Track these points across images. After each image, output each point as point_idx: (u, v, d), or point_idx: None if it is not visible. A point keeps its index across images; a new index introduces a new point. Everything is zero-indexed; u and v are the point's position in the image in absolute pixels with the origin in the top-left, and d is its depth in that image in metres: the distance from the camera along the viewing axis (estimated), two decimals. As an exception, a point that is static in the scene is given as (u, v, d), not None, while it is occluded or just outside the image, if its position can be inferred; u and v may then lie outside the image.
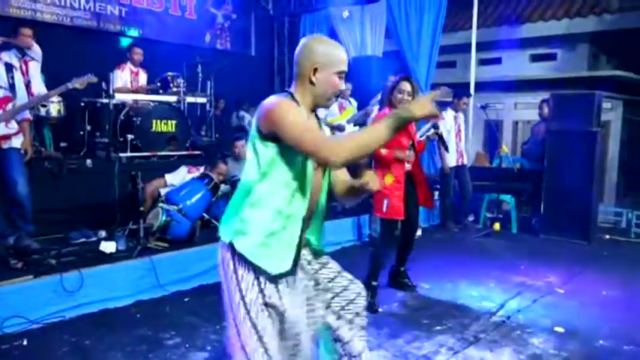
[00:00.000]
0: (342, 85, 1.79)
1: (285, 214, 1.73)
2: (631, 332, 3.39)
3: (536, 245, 5.85)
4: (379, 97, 5.88)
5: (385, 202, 3.69)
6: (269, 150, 1.71)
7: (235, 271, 1.73)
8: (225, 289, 1.80)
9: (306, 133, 1.62)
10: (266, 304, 1.72)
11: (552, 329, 3.44)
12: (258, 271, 1.72)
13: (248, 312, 1.71)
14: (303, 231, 1.78)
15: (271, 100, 1.71)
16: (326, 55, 1.74)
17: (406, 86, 3.65)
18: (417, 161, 3.92)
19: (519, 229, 6.53)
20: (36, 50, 5.34)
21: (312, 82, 1.75)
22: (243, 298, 1.72)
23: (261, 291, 1.72)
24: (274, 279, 1.73)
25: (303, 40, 1.81)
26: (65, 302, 3.50)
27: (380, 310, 3.75)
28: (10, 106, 3.82)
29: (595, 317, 3.68)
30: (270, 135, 1.69)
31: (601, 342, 3.26)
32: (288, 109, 1.66)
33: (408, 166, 3.80)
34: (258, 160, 1.73)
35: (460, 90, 6.57)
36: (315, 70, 1.73)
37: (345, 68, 1.78)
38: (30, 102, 4.23)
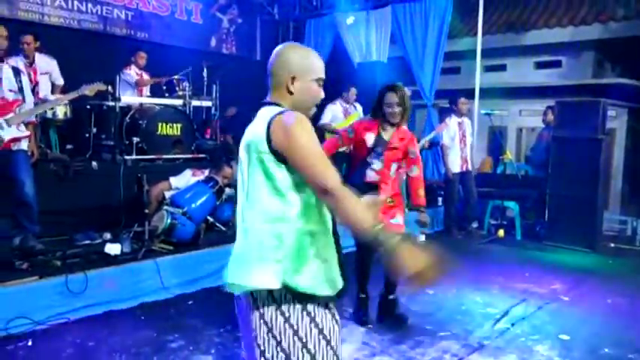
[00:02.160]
0: (322, 94, 1.70)
1: (319, 230, 1.59)
2: (636, 340, 3.37)
3: (541, 252, 5.84)
4: None
5: None
6: (286, 174, 1.54)
7: (304, 309, 1.55)
8: (283, 335, 1.54)
9: (318, 166, 1.49)
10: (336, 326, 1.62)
11: (557, 337, 3.43)
12: (321, 303, 1.58)
13: (328, 342, 1.56)
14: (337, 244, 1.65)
15: (286, 116, 1.55)
16: (303, 63, 1.65)
17: (393, 98, 3.42)
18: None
19: (523, 236, 6.52)
20: (45, 61, 5.46)
21: (290, 92, 1.65)
22: (321, 332, 1.55)
23: (334, 318, 1.61)
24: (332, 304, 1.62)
25: (276, 49, 1.71)
26: (70, 304, 3.51)
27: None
28: (19, 109, 3.85)
29: (600, 325, 3.67)
30: (283, 156, 1.53)
31: (606, 350, 3.24)
32: (305, 133, 1.52)
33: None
34: (274, 186, 1.54)
35: (462, 95, 6.58)
36: (293, 79, 1.64)
37: (323, 75, 1.69)
38: (41, 106, 4.26)
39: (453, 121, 6.38)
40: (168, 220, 4.35)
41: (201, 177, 5.04)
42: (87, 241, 4.42)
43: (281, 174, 1.53)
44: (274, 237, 1.53)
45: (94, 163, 5.24)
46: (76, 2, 6.91)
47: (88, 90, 4.34)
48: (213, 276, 4.32)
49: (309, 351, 1.53)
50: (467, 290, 4.35)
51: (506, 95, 8.79)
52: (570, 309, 4.00)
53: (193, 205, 4.59)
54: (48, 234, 4.32)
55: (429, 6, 7.23)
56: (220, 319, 3.58)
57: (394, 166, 3.53)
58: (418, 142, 5.68)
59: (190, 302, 3.96)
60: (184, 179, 5.04)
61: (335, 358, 1.57)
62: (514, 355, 3.15)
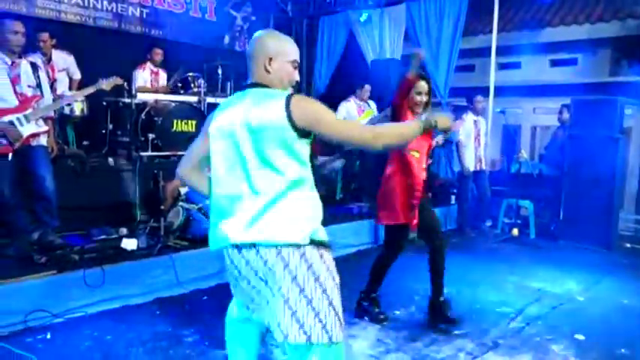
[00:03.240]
0: (297, 75, 1.94)
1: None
2: (653, 341, 3.34)
3: (555, 251, 5.79)
4: None
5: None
6: (305, 146, 1.82)
7: (323, 260, 1.80)
8: (307, 281, 1.76)
9: (351, 127, 1.93)
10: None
11: (573, 337, 3.40)
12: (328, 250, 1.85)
13: (337, 284, 1.84)
14: None
15: (301, 100, 1.80)
16: (278, 45, 1.89)
17: (423, 87, 3.37)
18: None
19: (538, 235, 6.47)
20: (62, 57, 5.54)
21: (267, 71, 1.87)
22: (333, 276, 1.83)
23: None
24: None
25: (255, 36, 1.95)
26: (87, 297, 3.56)
27: (397, 312, 3.75)
28: (38, 104, 3.90)
29: (616, 326, 3.64)
30: (306, 132, 1.79)
31: (622, 350, 3.22)
32: (325, 108, 1.82)
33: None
34: (297, 158, 1.79)
35: (477, 93, 6.55)
36: (270, 59, 1.86)
37: (297, 58, 1.93)
38: (59, 101, 4.31)
39: (469, 118, 6.35)
40: (184, 217, 4.40)
41: (216, 173, 5.07)
42: (103, 237, 4.47)
43: (301, 146, 1.79)
44: (299, 199, 1.78)
45: (111, 160, 5.30)
46: (91, 0, 6.98)
47: (105, 84, 4.39)
48: (228, 272, 4.37)
49: (324, 291, 1.78)
50: (481, 289, 4.33)
51: (520, 93, 8.72)
52: (586, 309, 3.97)
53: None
54: (64, 229, 4.37)
55: (443, 3, 7.19)
56: (235, 315, 3.61)
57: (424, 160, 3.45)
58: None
59: (205, 297, 4.00)
60: (199, 176, 5.07)
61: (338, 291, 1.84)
62: (529, 354, 3.13)
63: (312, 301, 1.75)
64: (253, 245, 1.78)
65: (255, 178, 1.78)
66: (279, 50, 1.88)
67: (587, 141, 5.94)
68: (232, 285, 2.03)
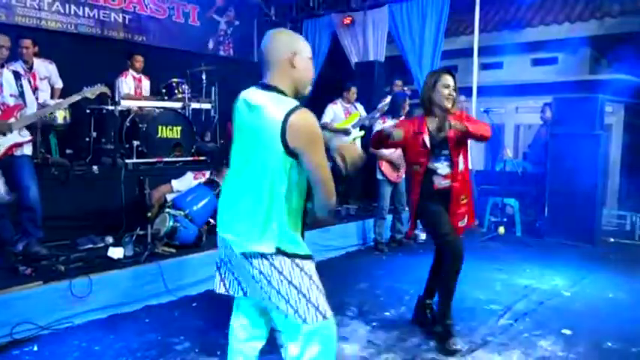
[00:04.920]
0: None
1: (299, 211, 1.93)
2: (638, 334, 3.40)
3: (541, 248, 5.86)
4: (387, 100, 5.90)
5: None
6: (299, 169, 1.83)
7: (293, 263, 1.88)
8: (278, 283, 1.87)
9: (327, 174, 1.84)
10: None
11: (560, 332, 3.45)
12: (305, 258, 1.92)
13: (310, 277, 1.89)
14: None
15: (304, 119, 1.76)
16: (298, 42, 1.89)
17: (449, 80, 3.14)
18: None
19: (524, 233, 6.55)
20: (44, 66, 5.48)
21: (293, 66, 1.84)
22: (302, 270, 1.89)
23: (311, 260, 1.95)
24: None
25: (269, 33, 1.92)
26: (74, 308, 3.51)
27: (387, 313, 3.76)
28: (21, 113, 3.85)
29: (602, 320, 3.69)
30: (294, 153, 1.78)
31: (609, 344, 3.27)
32: (319, 137, 1.80)
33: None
34: (287, 178, 1.82)
35: (460, 93, 6.60)
36: (294, 54, 1.84)
37: (311, 56, 1.94)
38: (42, 111, 4.26)
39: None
40: (171, 223, 4.36)
41: (203, 179, 5.05)
42: (89, 246, 4.43)
43: (284, 161, 1.77)
44: (275, 213, 1.83)
45: (95, 167, 5.24)
46: (73, 7, 6.90)
47: (90, 93, 4.35)
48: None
49: (302, 270, 1.88)
50: (469, 287, 4.35)
51: (503, 92, 8.83)
52: (572, 304, 4.03)
53: (195, 208, 4.60)
54: (49, 239, 4.31)
55: (425, 5, 7.24)
56: (225, 321, 3.56)
57: (461, 158, 3.22)
58: None
59: (194, 304, 3.98)
60: (186, 182, 5.05)
61: (314, 284, 1.90)
62: (518, 350, 3.17)
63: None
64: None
65: (245, 169, 1.87)
66: (301, 46, 1.88)
67: (569, 138, 6.04)
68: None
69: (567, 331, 3.45)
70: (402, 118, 5.58)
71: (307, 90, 1.91)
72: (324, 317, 1.87)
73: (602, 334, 3.40)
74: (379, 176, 5.59)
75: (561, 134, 6.12)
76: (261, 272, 1.87)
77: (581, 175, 5.89)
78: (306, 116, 1.74)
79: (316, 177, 1.81)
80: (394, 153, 5.47)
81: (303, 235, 1.97)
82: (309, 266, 1.91)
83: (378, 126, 5.60)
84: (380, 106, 6.00)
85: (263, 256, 1.85)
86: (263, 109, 1.78)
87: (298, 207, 1.91)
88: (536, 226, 6.59)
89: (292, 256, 1.87)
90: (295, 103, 1.79)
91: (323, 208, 1.86)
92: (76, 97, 4.37)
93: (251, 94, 1.89)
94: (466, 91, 6.89)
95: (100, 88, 4.41)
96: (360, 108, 6.68)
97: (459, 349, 3.11)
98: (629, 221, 6.81)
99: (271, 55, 1.86)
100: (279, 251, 1.85)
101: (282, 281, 1.85)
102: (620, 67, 8.30)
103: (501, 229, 6.51)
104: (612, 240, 6.25)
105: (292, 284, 1.85)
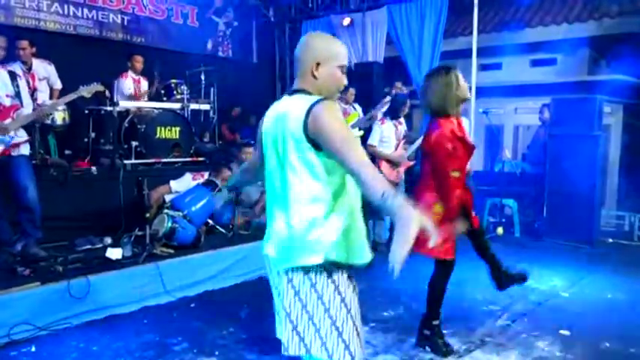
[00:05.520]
0: (345, 80, 1.82)
1: (354, 209, 1.79)
2: (636, 334, 3.40)
3: (540, 249, 5.87)
4: (387, 99, 5.89)
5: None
6: (323, 160, 1.68)
7: (332, 281, 1.73)
8: (313, 305, 1.73)
9: (356, 148, 1.62)
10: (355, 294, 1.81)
11: (558, 332, 3.45)
12: (349, 270, 1.78)
13: (349, 310, 1.75)
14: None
15: (323, 107, 1.65)
16: (327, 49, 1.78)
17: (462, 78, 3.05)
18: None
19: (522, 233, 6.55)
20: (42, 66, 5.48)
21: (314, 77, 1.77)
22: (343, 300, 1.75)
23: (352, 283, 1.80)
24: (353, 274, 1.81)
25: (303, 38, 1.86)
26: (72, 309, 3.52)
27: (385, 314, 3.76)
28: (17, 114, 3.85)
29: (600, 320, 3.70)
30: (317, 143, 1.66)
31: (607, 344, 3.27)
32: (340, 121, 1.66)
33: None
34: (312, 171, 1.68)
35: None
36: (318, 64, 1.76)
37: (346, 62, 1.82)
38: (39, 110, 4.26)
39: (450, 119, 6.39)
40: (169, 224, 4.36)
41: (201, 180, 5.06)
42: (88, 246, 4.44)
43: (317, 159, 1.67)
44: (315, 216, 1.69)
45: (94, 168, 5.25)
46: (72, 8, 6.92)
47: (86, 91, 4.35)
48: (215, 278, 4.35)
49: (330, 317, 1.72)
50: (468, 288, 4.36)
51: (502, 93, 8.82)
52: (570, 305, 4.03)
53: (194, 209, 4.60)
54: (48, 240, 4.32)
55: (424, 6, 7.25)
56: (223, 321, 3.60)
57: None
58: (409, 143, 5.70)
59: (193, 305, 3.98)
60: (185, 183, 5.06)
61: (353, 324, 1.74)
62: (516, 351, 3.17)
63: (313, 318, 1.73)
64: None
65: (280, 185, 1.77)
66: (328, 55, 1.77)
67: (567, 139, 6.04)
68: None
69: (565, 332, 3.46)
70: (401, 119, 5.60)
71: (335, 97, 1.84)
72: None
73: (600, 334, 3.40)
74: (378, 176, 5.59)
75: (560, 135, 6.12)
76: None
77: (579, 175, 5.89)
78: (327, 105, 1.67)
79: (346, 165, 1.60)
80: (394, 152, 5.47)
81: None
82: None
83: (377, 128, 5.61)
84: (379, 105, 5.98)
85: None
86: (288, 113, 1.72)
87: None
88: (535, 227, 6.59)
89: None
90: (319, 97, 1.72)
91: (375, 201, 1.51)
92: (72, 96, 4.37)
93: (278, 106, 1.83)
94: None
95: (96, 87, 4.41)
96: (359, 109, 6.68)
97: (455, 349, 3.11)
98: (627, 222, 6.81)
99: (299, 63, 1.81)
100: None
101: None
102: (619, 68, 8.31)
103: (500, 230, 6.51)
104: (611, 240, 6.25)
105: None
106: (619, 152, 8.80)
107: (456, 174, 3.02)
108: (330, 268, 1.72)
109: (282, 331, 1.79)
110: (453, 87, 2.98)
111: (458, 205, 3.05)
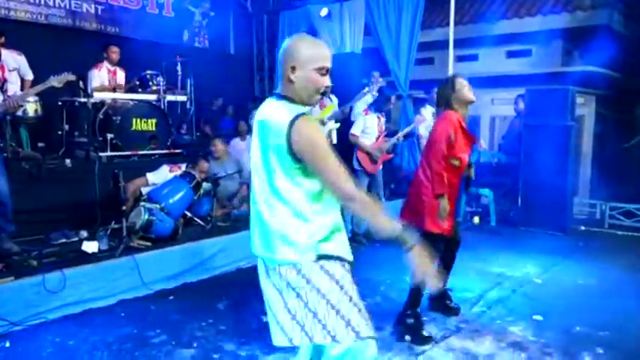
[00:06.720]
0: (325, 81, 1.80)
1: (337, 208, 1.88)
2: (605, 318, 3.51)
3: (515, 237, 5.99)
4: (366, 90, 5.90)
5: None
6: (302, 168, 1.76)
7: (322, 267, 1.81)
8: (308, 295, 1.80)
9: (339, 172, 1.75)
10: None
11: (531, 317, 3.55)
12: (338, 259, 1.86)
13: (342, 288, 1.82)
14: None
15: (303, 123, 1.73)
16: (302, 52, 1.77)
17: (465, 80, 3.43)
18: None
19: (498, 222, 6.67)
20: (12, 57, 5.34)
21: (291, 81, 1.78)
22: (337, 283, 1.82)
23: (345, 268, 1.88)
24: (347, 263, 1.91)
25: (284, 42, 1.85)
26: (48, 303, 3.47)
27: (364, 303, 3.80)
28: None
29: (571, 305, 3.80)
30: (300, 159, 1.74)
31: (577, 328, 3.37)
32: (323, 140, 1.76)
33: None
34: (296, 173, 1.76)
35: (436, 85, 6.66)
36: (293, 68, 1.77)
37: (326, 64, 1.79)
38: (8, 101, 4.16)
39: (427, 111, 6.45)
40: (146, 216, 4.32)
41: (178, 172, 5.01)
42: (63, 240, 4.36)
43: (297, 169, 1.75)
44: (298, 219, 1.77)
45: (68, 161, 5.15)
46: (43, -4, 6.76)
47: (57, 81, 4.26)
48: (193, 271, 4.33)
49: (325, 298, 1.79)
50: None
51: (479, 84, 8.88)
52: (543, 291, 4.13)
53: (171, 201, 4.56)
54: (22, 234, 4.24)
55: (401, -3, 7.28)
56: (202, 313, 3.60)
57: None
58: (389, 136, 5.77)
59: (171, 297, 3.96)
60: (161, 175, 5.01)
61: (350, 301, 1.82)
62: (490, 336, 3.24)
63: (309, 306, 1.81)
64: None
65: (264, 185, 1.82)
66: (304, 58, 1.76)
67: (541, 129, 6.15)
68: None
69: (538, 317, 3.55)
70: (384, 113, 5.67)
71: (315, 99, 1.83)
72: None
73: (572, 319, 3.50)
74: (356, 167, 5.60)
75: (534, 125, 6.23)
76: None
77: (553, 165, 6.01)
78: (308, 123, 1.73)
79: (324, 181, 1.75)
80: (373, 144, 5.51)
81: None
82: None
83: (360, 118, 5.64)
84: (357, 96, 5.97)
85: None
86: (269, 120, 1.78)
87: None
88: (510, 216, 6.72)
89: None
90: (301, 110, 1.77)
91: (349, 208, 1.79)
92: (42, 87, 4.28)
93: (263, 108, 1.88)
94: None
95: (67, 77, 4.32)
96: (335, 100, 6.68)
97: (432, 335, 3.18)
98: (599, 210, 6.99)
99: (279, 67, 1.84)
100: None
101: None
102: (592, 59, 8.47)
103: (476, 219, 6.63)
104: (583, 228, 6.41)
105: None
106: (592, 142, 8.99)
107: (456, 162, 3.24)
108: (319, 259, 1.80)
109: (281, 329, 1.85)
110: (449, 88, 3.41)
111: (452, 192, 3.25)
